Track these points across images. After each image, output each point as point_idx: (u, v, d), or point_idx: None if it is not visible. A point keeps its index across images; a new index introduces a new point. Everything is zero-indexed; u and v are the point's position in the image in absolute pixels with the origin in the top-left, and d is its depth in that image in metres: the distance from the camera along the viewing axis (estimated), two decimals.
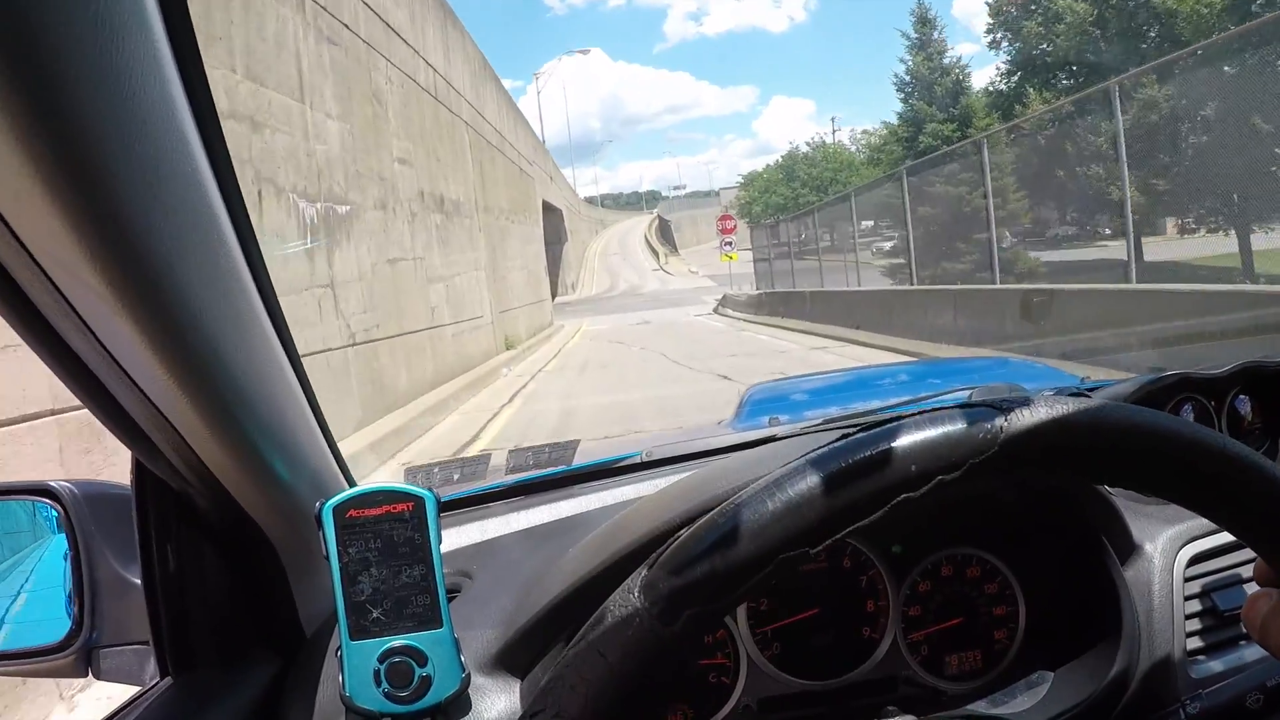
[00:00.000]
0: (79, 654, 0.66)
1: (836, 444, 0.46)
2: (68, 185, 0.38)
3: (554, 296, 33.14)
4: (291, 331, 0.62)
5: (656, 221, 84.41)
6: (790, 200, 44.55)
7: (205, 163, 0.48)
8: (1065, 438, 0.46)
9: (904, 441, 0.45)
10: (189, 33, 0.44)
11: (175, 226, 0.45)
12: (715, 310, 23.35)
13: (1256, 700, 0.63)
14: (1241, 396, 1.11)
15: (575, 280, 41.39)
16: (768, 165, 50.44)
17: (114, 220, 0.40)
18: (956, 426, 0.45)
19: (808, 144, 48.33)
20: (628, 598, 0.45)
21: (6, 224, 0.39)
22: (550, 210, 31.22)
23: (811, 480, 0.44)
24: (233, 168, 0.51)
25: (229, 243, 0.51)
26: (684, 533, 0.46)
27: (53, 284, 0.42)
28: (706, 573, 0.44)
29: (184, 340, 0.48)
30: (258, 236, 0.54)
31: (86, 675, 0.67)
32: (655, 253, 60.08)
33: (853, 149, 48.51)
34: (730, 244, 27.55)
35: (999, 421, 0.45)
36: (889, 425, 0.46)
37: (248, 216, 0.53)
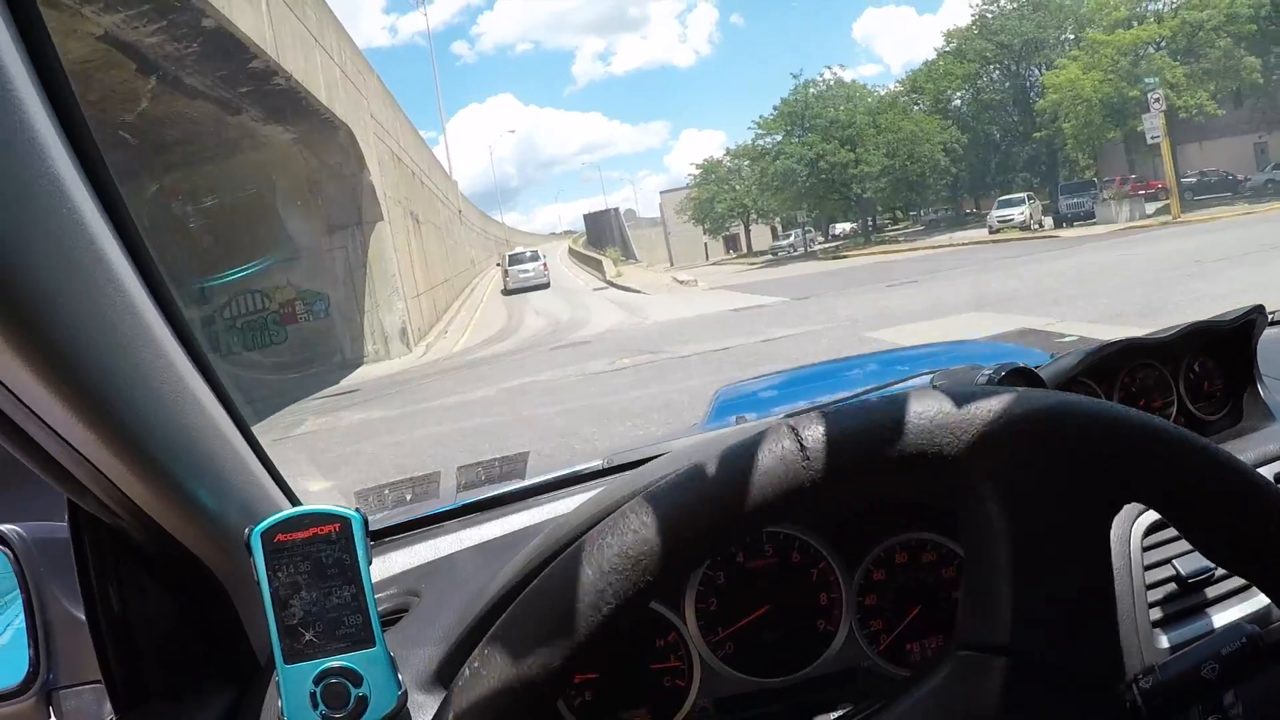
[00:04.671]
0: (39, 696, 1.02)
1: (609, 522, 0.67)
2: None
3: (350, 353, 21.32)
4: None
5: (583, 235, 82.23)
6: (804, 162, 45.04)
7: (86, 194, 0.71)
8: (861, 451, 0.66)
9: (699, 497, 0.66)
10: (58, 67, 0.68)
11: (55, 258, 0.67)
12: None
13: (1212, 669, 0.78)
14: (1200, 360, 1.54)
15: (411, 319, 23.91)
16: (759, 119, 49.96)
17: None
18: (757, 465, 0.65)
19: (820, 81, 49.00)
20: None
21: None
22: (293, 100, 17.10)
23: (586, 573, 0.65)
24: (120, 195, 0.75)
25: (117, 275, 0.76)
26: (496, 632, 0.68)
27: None
28: (511, 695, 0.65)
29: (75, 375, 0.71)
30: (159, 264, 0.80)
31: (49, 718, 1.02)
32: (597, 263, 53.89)
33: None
34: None
35: (789, 445, 0.66)
36: (684, 475, 0.68)
37: (143, 243, 0.80)
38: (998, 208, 37.49)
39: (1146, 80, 29.74)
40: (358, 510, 0.91)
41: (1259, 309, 1.53)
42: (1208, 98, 32.32)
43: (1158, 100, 26.86)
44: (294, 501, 1.10)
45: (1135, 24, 35.03)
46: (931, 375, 1.46)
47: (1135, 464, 0.69)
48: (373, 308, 22.38)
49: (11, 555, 1.03)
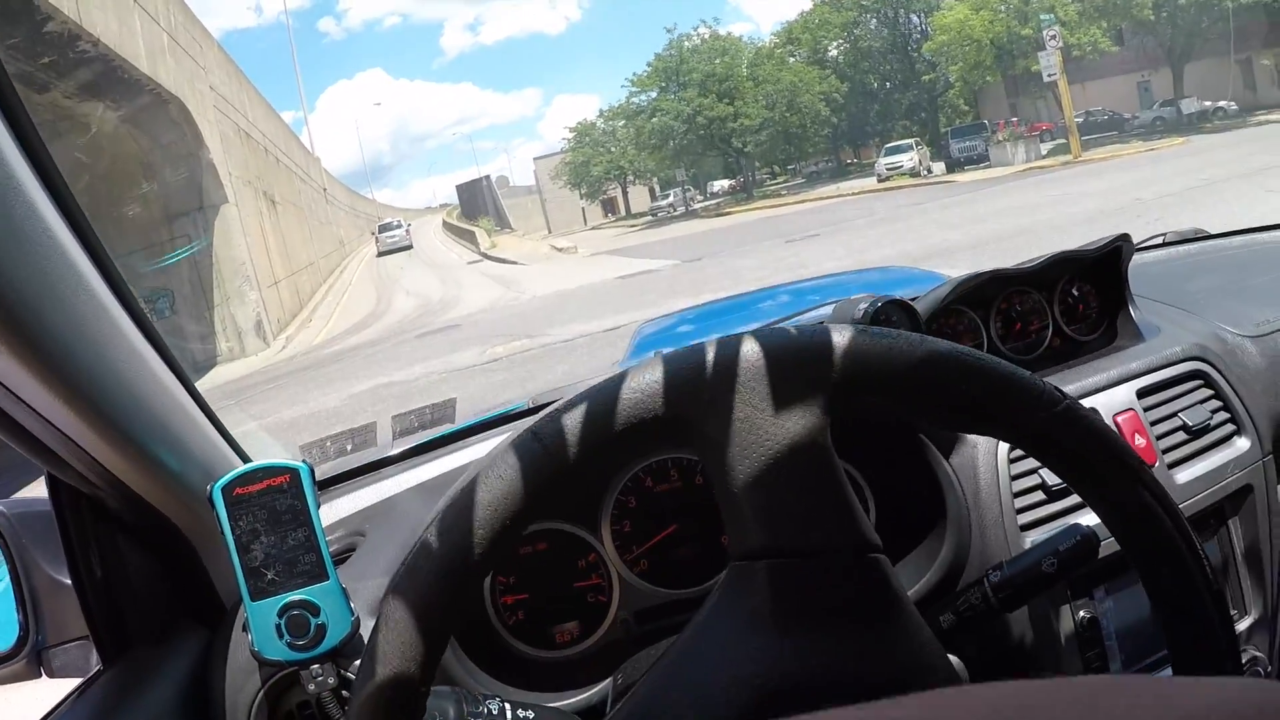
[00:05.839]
0: (30, 657, 1.16)
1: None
2: None
3: (202, 354, 19.37)
4: None
5: (457, 207, 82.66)
6: (681, 118, 45.21)
7: (27, 174, 0.83)
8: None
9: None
10: None
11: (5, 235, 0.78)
12: None
13: (1051, 564, 0.97)
14: (1076, 285, 1.74)
15: (268, 309, 22.52)
16: (633, 76, 49.69)
17: None
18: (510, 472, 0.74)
19: (696, 34, 48.92)
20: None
21: None
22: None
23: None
24: (61, 177, 0.88)
25: (64, 250, 0.88)
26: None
27: None
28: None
29: (44, 354, 0.84)
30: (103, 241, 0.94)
31: (40, 676, 1.17)
32: (471, 235, 53.21)
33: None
34: None
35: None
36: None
37: (86, 221, 0.92)
38: (885, 155, 38.25)
39: (1042, 17, 30.35)
40: (305, 462, 1.09)
41: (1124, 237, 1.70)
42: (1101, 34, 33.20)
43: (1054, 37, 27.51)
44: (245, 459, 1.26)
45: None
46: (835, 305, 1.65)
47: (818, 376, 0.78)
48: (223, 301, 20.71)
49: None
